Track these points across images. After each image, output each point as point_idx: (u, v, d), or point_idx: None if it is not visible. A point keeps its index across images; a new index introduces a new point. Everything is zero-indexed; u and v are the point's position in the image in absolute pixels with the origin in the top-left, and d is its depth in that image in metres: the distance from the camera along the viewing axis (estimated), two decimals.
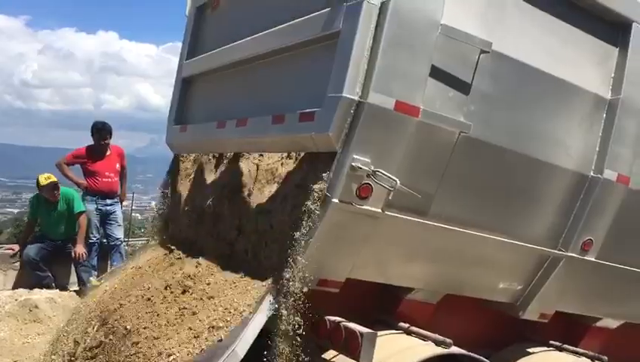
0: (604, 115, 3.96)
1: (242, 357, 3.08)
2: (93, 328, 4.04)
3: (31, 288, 6.30)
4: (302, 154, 3.56)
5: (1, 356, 4.96)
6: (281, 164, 3.79)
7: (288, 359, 3.21)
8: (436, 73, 3.30)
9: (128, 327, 3.69)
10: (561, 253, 4.04)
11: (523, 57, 3.59)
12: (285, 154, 3.76)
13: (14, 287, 6.54)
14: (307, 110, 3.31)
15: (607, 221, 4.11)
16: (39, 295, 6.04)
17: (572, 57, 3.87)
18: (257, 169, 4.05)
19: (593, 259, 4.16)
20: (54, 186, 6.66)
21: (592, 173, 3.96)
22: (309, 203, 3.21)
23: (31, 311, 5.66)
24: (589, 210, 4.00)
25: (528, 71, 3.63)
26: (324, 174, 3.21)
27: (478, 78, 3.43)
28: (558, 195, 3.94)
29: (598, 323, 4.69)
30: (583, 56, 3.92)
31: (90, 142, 7.14)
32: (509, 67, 3.56)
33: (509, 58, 3.54)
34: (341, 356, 3.44)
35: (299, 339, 3.22)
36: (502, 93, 3.60)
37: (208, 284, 3.70)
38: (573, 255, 4.06)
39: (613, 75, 3.99)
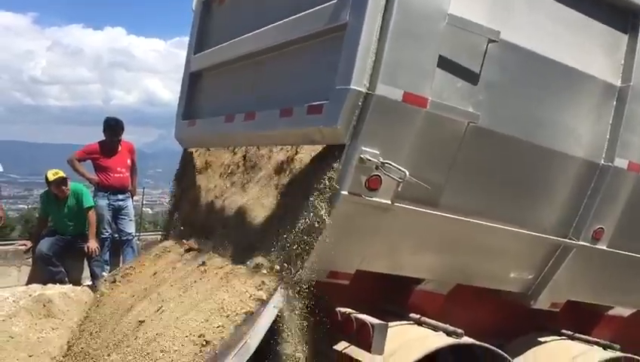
0: (614, 103, 3.93)
1: (254, 349, 3.10)
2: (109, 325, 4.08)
3: (44, 283, 6.35)
4: (311, 146, 3.56)
5: (17, 350, 5.00)
6: (291, 156, 3.80)
7: (298, 351, 3.23)
8: (444, 64, 3.29)
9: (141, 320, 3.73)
10: (572, 242, 4.03)
11: (531, 46, 3.57)
12: (295, 147, 3.77)
13: (28, 283, 6.59)
14: (315, 103, 3.31)
15: (618, 209, 4.10)
16: (53, 290, 6.08)
17: (581, 45, 3.84)
18: (267, 161, 4.06)
19: (605, 248, 4.15)
20: (62, 182, 6.70)
21: (602, 162, 3.94)
22: (318, 195, 3.22)
23: (45, 306, 5.70)
24: (600, 199, 3.98)
25: (537, 59, 3.60)
26: (333, 166, 3.22)
27: (486, 68, 3.42)
28: (568, 184, 3.93)
29: (610, 312, 4.69)
30: (592, 43, 3.89)
31: (100, 137, 7.17)
32: (518, 56, 3.54)
33: (518, 47, 3.52)
34: (352, 347, 3.46)
35: (308, 332, 3.24)
36: (510, 83, 3.59)
37: (218, 276, 3.73)
38: (585, 244, 4.05)
39: (622, 62, 3.96)
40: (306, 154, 3.66)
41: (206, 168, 4.79)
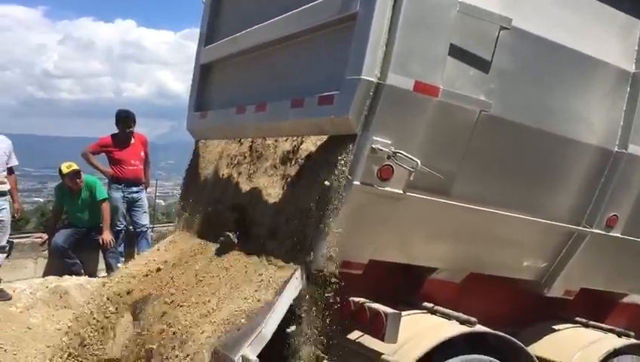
0: (628, 89, 3.89)
1: (269, 338, 3.12)
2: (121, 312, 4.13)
3: (60, 275, 6.44)
4: (316, 136, 3.56)
5: (35, 341, 5.09)
6: (297, 145, 3.80)
7: (312, 340, 3.25)
8: (455, 52, 3.27)
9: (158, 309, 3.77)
10: (585, 229, 4.01)
11: (544, 33, 3.54)
12: (306, 138, 3.76)
13: (44, 275, 6.70)
14: (326, 93, 3.30)
15: (632, 196, 4.07)
16: (69, 281, 6.18)
17: (594, 31, 3.80)
18: (274, 151, 4.06)
19: (618, 235, 4.13)
20: (76, 174, 6.77)
21: (616, 148, 3.91)
22: (330, 186, 3.23)
23: (61, 297, 5.80)
24: (613, 186, 3.96)
25: (549, 46, 3.57)
26: (344, 157, 3.22)
27: (498, 56, 3.39)
28: (582, 171, 3.91)
29: (625, 299, 4.67)
30: (604, 29, 3.85)
31: (112, 130, 7.23)
32: (530, 43, 3.51)
33: (530, 34, 3.49)
34: (366, 336, 3.48)
35: (322, 321, 3.26)
36: (522, 70, 3.56)
37: (230, 267, 3.75)
38: (598, 231, 4.03)
39: (636, 47, 3.91)
40: (312, 144, 3.66)
41: (217, 159, 4.81)
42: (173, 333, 3.49)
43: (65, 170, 6.73)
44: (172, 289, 3.94)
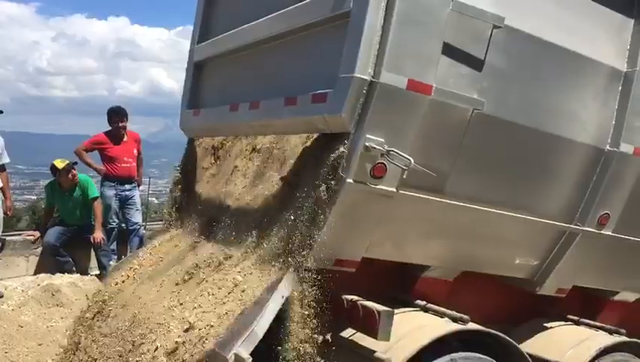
0: (620, 88, 3.91)
1: (261, 337, 3.12)
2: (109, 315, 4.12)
3: (52, 273, 6.41)
4: (316, 135, 3.56)
5: (27, 339, 5.07)
6: (293, 145, 3.79)
7: (304, 339, 3.25)
8: (449, 50, 3.28)
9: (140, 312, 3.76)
10: (577, 227, 4.03)
11: (536, 31, 3.55)
12: (299, 136, 3.76)
13: (36, 273, 6.67)
14: (319, 91, 3.30)
15: (624, 195, 4.09)
16: (61, 279, 6.15)
17: (586, 30, 3.82)
18: (271, 150, 4.05)
19: (610, 233, 4.15)
20: (72, 167, 6.75)
21: (608, 147, 3.93)
22: (323, 184, 3.22)
23: (53, 295, 5.77)
24: (605, 184, 3.98)
25: (542, 45, 3.59)
26: (337, 155, 3.22)
27: (491, 54, 3.40)
28: (574, 170, 3.93)
29: (616, 297, 4.69)
30: (597, 28, 3.86)
31: (106, 128, 7.21)
32: (523, 42, 3.53)
33: (522, 33, 3.50)
34: (359, 334, 3.48)
35: (315, 319, 3.26)
36: (515, 69, 3.57)
37: (225, 266, 3.75)
38: (590, 229, 4.05)
39: (629, 46, 3.93)
40: (311, 142, 3.65)
41: (209, 157, 4.80)
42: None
43: (60, 166, 6.69)
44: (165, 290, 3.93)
